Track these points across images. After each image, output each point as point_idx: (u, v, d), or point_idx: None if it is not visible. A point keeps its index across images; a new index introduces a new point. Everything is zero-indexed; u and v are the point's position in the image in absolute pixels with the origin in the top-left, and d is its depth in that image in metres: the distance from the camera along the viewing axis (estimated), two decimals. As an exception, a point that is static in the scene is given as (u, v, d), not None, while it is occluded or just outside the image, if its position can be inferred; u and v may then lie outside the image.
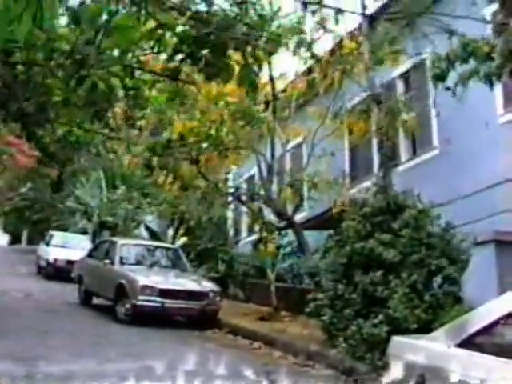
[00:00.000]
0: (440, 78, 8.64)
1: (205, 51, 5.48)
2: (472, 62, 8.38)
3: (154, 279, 13.18)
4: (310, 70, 15.09)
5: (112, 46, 5.67)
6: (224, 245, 19.72)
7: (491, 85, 8.09)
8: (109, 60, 5.70)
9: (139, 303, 12.64)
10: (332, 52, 14.46)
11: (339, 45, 14.19)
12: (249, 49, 5.72)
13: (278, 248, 16.21)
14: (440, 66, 8.51)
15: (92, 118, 9.24)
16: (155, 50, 5.91)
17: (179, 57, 5.70)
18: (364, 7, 12.43)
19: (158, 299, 12.67)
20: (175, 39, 5.75)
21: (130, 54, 5.85)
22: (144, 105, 11.24)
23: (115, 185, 25.83)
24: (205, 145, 14.94)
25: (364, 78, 12.67)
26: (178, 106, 14.36)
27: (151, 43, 5.98)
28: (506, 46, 7.56)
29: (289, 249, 16.94)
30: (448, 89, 8.57)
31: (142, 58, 6.36)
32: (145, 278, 13.15)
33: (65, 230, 26.44)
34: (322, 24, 13.27)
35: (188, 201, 17.07)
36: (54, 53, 6.39)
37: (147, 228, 23.05)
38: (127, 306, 12.86)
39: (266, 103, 15.47)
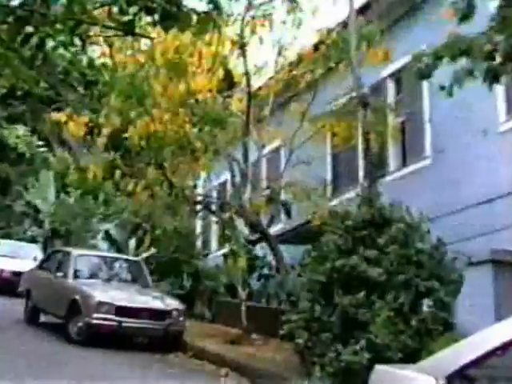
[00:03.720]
0: (424, 74, 8.60)
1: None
2: (465, 61, 8.37)
3: (112, 295, 13.08)
4: (290, 66, 15.12)
5: None
6: (191, 258, 19.67)
7: (490, 86, 8.06)
8: (56, 15, 5.57)
9: (94, 322, 12.51)
10: (315, 47, 14.44)
11: (324, 39, 14.23)
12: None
13: (251, 263, 16.21)
14: (423, 60, 8.47)
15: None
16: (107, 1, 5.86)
17: (133, 9, 5.66)
18: (351, -1, 12.43)
19: (116, 318, 12.57)
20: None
21: (78, 7, 5.71)
22: (104, 92, 11.09)
23: (67, 190, 25.49)
24: (170, 148, 14.83)
25: (350, 77, 12.64)
26: (139, 105, 14.23)
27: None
28: (508, 43, 7.54)
29: (263, 265, 16.92)
30: (442, 88, 8.52)
31: (94, 12, 6.24)
32: (101, 293, 13.05)
33: (12, 237, 26.03)
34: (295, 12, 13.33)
35: (153, 209, 16.92)
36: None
37: (107, 237, 22.82)
38: (80, 324, 12.72)
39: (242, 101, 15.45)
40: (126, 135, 14.74)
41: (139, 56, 14.71)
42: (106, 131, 14.74)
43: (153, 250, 19.57)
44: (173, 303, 13.66)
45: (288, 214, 15.81)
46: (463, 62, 8.42)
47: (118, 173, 15.03)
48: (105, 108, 14.40)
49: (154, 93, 14.29)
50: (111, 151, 15.09)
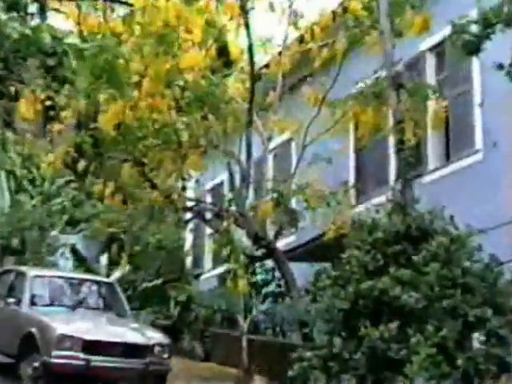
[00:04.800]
0: (471, 48, 8.44)
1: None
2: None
3: (78, 327, 12.96)
4: (303, 39, 15.08)
5: None
6: (179, 279, 19.67)
7: None
8: None
9: (54, 361, 12.34)
10: (335, 14, 14.39)
11: (347, 3, 14.22)
12: None
13: (254, 286, 16.18)
14: (469, 30, 8.33)
15: None
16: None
17: None
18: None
19: (82, 355, 12.40)
20: None
21: None
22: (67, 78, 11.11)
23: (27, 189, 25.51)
24: (152, 141, 14.79)
25: (379, 52, 12.53)
26: (112, 86, 14.19)
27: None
28: None
29: (269, 287, 16.96)
30: (500, 67, 8.37)
31: None
32: (64, 324, 12.91)
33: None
34: None
35: (130, 218, 16.93)
36: None
37: (73, 252, 22.80)
38: (36, 364, 12.56)
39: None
40: (94, 125, 14.71)
41: (114, 26, 14.67)
42: (69, 115, 14.70)
43: (127, 270, 19.58)
44: (155, 336, 13.53)
45: (295, 224, 15.81)
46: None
47: (81, 165, 14.99)
48: (66, 87, 14.35)
49: (132, 71, 14.24)
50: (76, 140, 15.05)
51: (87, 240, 23.10)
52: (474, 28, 8.56)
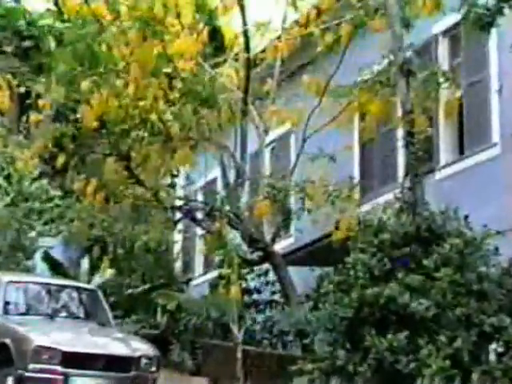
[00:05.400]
0: (484, 22, 8.43)
1: None
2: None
3: (56, 337, 12.88)
4: (304, 22, 14.99)
5: None
6: (167, 285, 19.63)
7: None
8: None
9: (30, 375, 12.26)
10: None
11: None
12: None
13: (250, 292, 16.17)
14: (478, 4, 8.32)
15: None
16: None
17: None
18: None
19: (61, 369, 12.33)
20: None
21: None
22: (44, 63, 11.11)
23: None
24: (138, 133, 14.76)
25: (388, 35, 12.50)
26: (95, 74, 14.19)
27: None
28: None
29: (266, 294, 16.98)
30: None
31: None
32: (41, 335, 12.83)
33: None
34: None
35: (113, 218, 16.91)
36: None
37: (47, 257, 22.75)
38: (10, 378, 12.48)
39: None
40: (75, 116, 14.73)
41: (97, 8, 14.64)
42: (47, 105, 14.70)
43: (110, 275, 19.56)
44: (142, 348, 13.47)
45: (287, 225, 15.83)
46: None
47: (60, 160, 14.99)
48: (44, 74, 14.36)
49: (117, 58, 14.24)
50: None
51: (67, 242, 23.13)
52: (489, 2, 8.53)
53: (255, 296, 17.34)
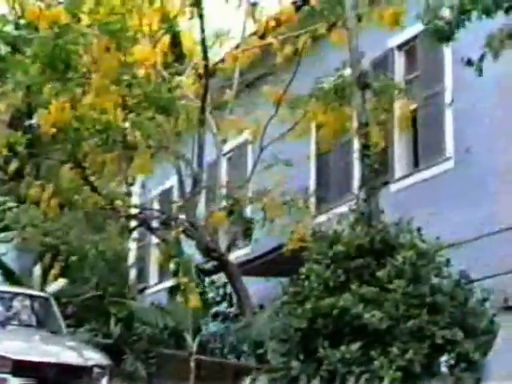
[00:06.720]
0: (444, 35, 8.51)
1: None
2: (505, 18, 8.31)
3: (7, 345, 12.73)
4: (263, 33, 15.13)
5: None
6: (121, 294, 19.50)
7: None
8: None
9: (-23, 384, 12.21)
10: (298, 6, 14.48)
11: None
12: None
13: (205, 303, 16.09)
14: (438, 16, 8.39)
15: None
16: None
17: None
18: None
19: (11, 378, 12.17)
20: None
21: None
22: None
23: None
24: (95, 141, 14.72)
25: (345, 48, 12.56)
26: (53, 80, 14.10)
27: None
28: None
29: (221, 306, 17.01)
30: (469, 63, 8.48)
31: None
32: (-10, 343, 12.76)
33: None
34: None
35: (67, 225, 16.81)
36: None
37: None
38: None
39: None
40: (31, 121, 14.63)
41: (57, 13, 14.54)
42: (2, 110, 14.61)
43: (63, 283, 19.39)
44: (94, 357, 13.33)
45: (249, 235, 15.82)
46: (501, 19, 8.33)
47: (13, 166, 14.88)
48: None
49: (76, 64, 14.17)
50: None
51: (19, 250, 22.88)
52: (447, 13, 8.59)
53: (214, 308, 17.28)
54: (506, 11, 8.14)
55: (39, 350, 13.09)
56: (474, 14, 8.25)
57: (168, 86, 15.08)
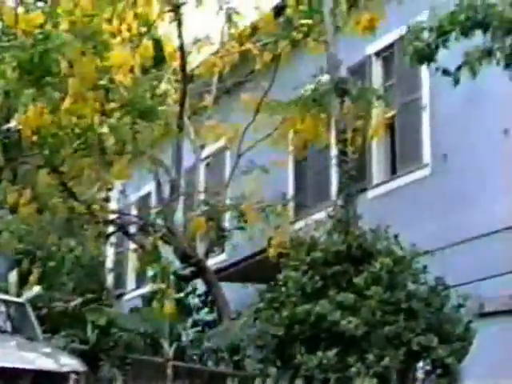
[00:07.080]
0: (424, 56, 8.61)
1: None
2: (481, 37, 8.38)
3: (-19, 352, 12.69)
4: (242, 40, 15.18)
5: None
6: (98, 300, 19.40)
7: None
8: None
9: None
10: (278, 11, 14.51)
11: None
12: None
13: (184, 309, 16.05)
14: (422, 37, 8.50)
15: None
16: None
17: None
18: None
19: (-14, 384, 12.16)
20: None
21: None
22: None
23: None
24: (71, 146, 14.67)
25: (323, 54, 12.59)
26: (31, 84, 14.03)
27: None
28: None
29: (203, 311, 16.99)
30: (446, 73, 8.54)
31: None
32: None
33: None
34: None
35: (45, 230, 16.70)
36: None
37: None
38: None
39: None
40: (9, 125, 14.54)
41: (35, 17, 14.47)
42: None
43: (39, 288, 19.28)
44: (70, 363, 13.19)
45: (222, 243, 15.83)
46: (479, 38, 8.43)
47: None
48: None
49: (53, 69, 14.09)
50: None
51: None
52: (427, 35, 8.70)
53: (195, 316, 17.23)
54: (485, 31, 8.26)
55: (15, 356, 12.94)
56: (453, 34, 8.38)
57: (152, 93, 15.04)
